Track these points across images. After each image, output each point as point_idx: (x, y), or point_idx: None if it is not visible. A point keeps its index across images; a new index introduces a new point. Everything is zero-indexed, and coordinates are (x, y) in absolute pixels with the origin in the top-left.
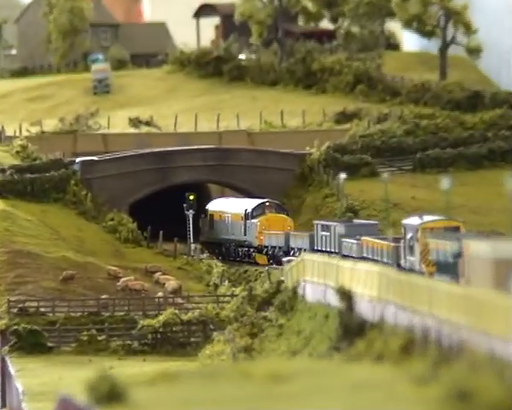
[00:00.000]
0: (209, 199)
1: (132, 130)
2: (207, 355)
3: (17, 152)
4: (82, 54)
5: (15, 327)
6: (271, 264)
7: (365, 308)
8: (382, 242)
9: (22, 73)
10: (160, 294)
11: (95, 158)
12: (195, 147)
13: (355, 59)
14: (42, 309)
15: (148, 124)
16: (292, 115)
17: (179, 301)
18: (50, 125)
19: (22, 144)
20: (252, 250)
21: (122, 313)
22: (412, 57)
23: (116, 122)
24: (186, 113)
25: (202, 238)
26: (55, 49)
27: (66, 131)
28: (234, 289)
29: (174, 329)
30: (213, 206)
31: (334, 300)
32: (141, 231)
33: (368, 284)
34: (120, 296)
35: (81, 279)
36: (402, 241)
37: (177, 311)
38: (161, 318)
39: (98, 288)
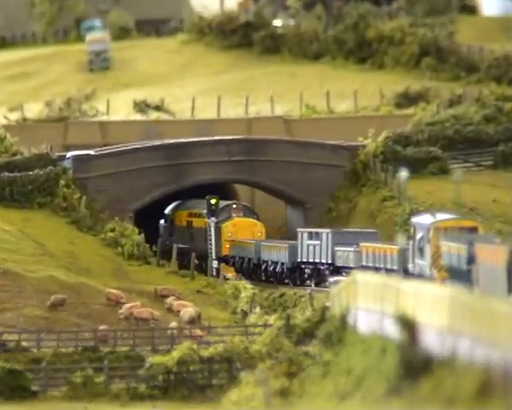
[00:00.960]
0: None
1: (138, 116)
2: (233, 401)
3: None
4: (74, 20)
5: None
6: (240, 278)
7: (432, 341)
8: (385, 246)
9: None
10: (173, 324)
11: (90, 152)
12: (218, 138)
13: (421, 25)
14: (24, 343)
15: (158, 109)
16: (341, 97)
17: (198, 332)
18: (34, 110)
19: None
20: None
21: (126, 349)
22: (493, 23)
23: (117, 107)
24: (206, 94)
25: (161, 248)
26: (39, 14)
27: (54, 119)
28: (267, 317)
29: (191, 368)
30: (174, 209)
31: (393, 330)
32: (149, 244)
33: (436, 310)
34: (123, 327)
35: (73, 305)
36: (411, 242)
37: (195, 345)
38: (175, 354)
39: (95, 316)
